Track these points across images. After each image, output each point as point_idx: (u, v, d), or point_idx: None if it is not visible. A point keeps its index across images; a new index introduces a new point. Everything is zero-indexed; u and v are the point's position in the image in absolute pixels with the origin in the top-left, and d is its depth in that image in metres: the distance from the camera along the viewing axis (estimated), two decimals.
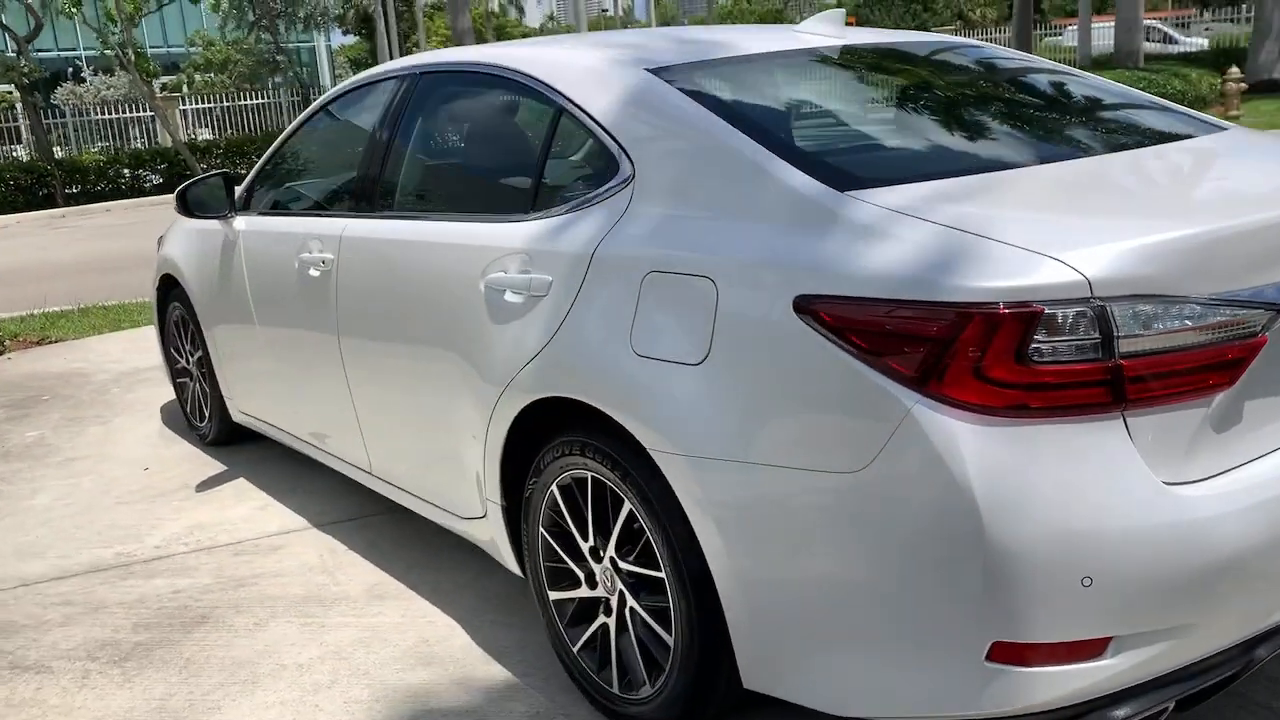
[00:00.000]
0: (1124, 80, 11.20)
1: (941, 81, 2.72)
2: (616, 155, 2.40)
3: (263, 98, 24.10)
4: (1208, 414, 1.80)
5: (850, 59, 2.78)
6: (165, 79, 31.44)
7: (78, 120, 22.49)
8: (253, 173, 4.04)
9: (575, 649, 2.58)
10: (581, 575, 2.53)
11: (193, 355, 4.71)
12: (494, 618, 3.04)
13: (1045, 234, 1.80)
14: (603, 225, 2.35)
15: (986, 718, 1.80)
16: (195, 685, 2.80)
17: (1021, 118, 2.58)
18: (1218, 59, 20.98)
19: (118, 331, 7.47)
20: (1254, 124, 14.22)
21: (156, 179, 20.27)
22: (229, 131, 22.94)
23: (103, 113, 22.63)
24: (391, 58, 45.52)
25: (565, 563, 2.57)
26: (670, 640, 2.27)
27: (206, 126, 23.19)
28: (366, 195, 3.25)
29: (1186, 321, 1.75)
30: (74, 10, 19.07)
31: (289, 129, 3.93)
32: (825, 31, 2.89)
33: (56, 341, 7.23)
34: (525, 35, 69.98)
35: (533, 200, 2.63)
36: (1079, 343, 1.71)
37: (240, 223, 3.97)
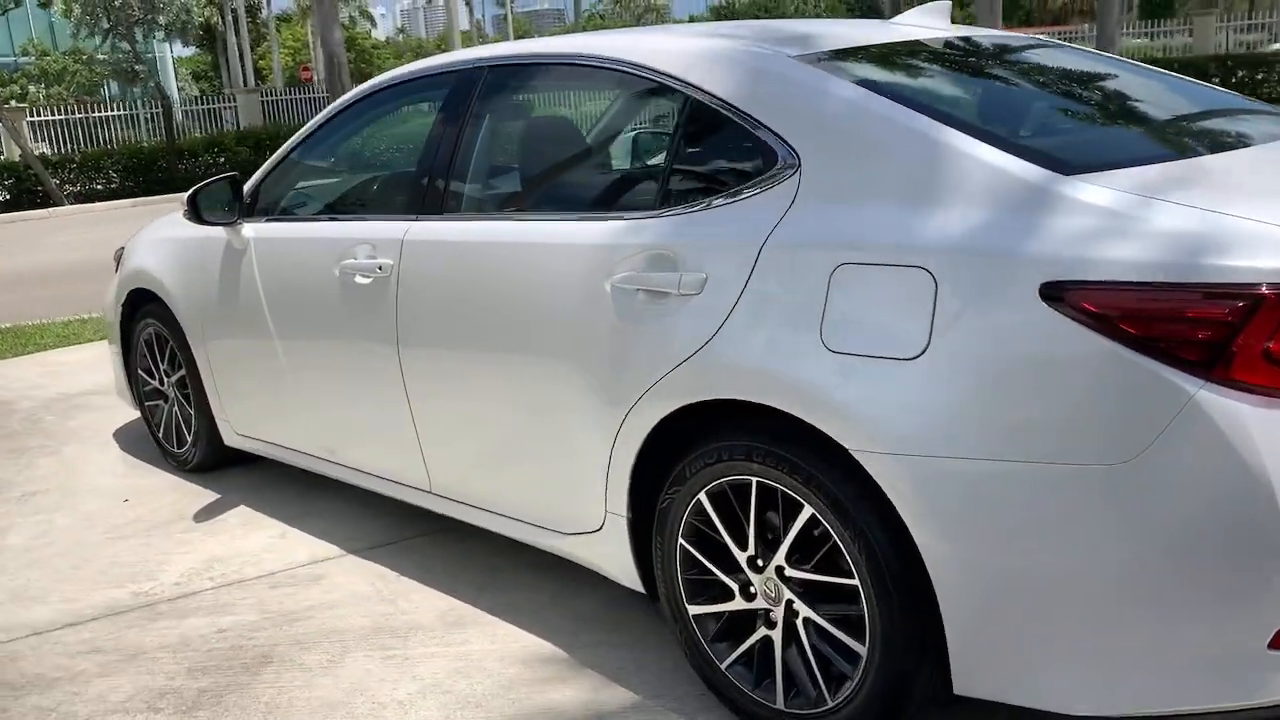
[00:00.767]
0: None
1: (1078, 74, 2.69)
2: (773, 145, 2.30)
3: (120, 109, 22.83)
4: None
5: (977, 50, 2.75)
6: None
7: None
8: (258, 177, 3.75)
9: (724, 665, 2.45)
10: (735, 587, 2.40)
11: (169, 376, 4.36)
12: (594, 638, 2.88)
13: None
14: (768, 217, 2.25)
15: (1267, 706, 1.77)
16: None
17: (1167, 110, 2.59)
18: None
19: (24, 356, 6.91)
20: None
21: (2, 195, 18.97)
22: (80, 146, 21.63)
23: None
24: (243, 69, 43.91)
25: (712, 575, 2.44)
26: (862, 649, 2.17)
27: (45, 141, 21.77)
28: (434, 196, 3.04)
29: None
30: None
31: (305, 131, 3.66)
32: (931, 24, 2.85)
33: None
34: (375, 48, 68.38)
35: (662, 195, 2.50)
36: None
37: (248, 230, 3.68)
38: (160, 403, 4.49)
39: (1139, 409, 1.77)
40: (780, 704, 2.35)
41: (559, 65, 2.89)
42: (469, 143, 3.00)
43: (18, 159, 19.41)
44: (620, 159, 2.74)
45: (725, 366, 2.26)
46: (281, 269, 3.53)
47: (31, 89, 36.36)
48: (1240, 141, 2.39)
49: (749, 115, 2.36)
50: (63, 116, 22.41)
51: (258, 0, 53.63)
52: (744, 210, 2.30)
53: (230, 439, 4.10)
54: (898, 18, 2.92)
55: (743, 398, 2.24)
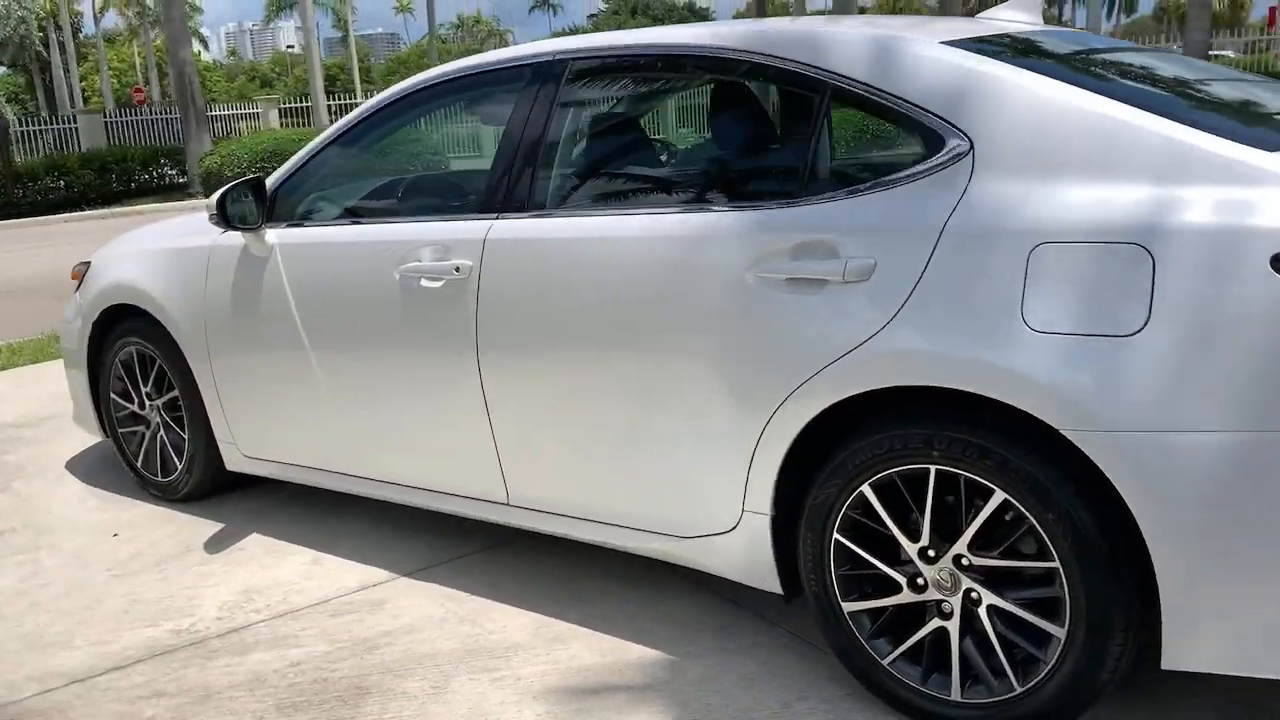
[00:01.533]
0: None
1: (1196, 72, 2.73)
2: (938, 129, 2.28)
3: None
4: None
5: (1087, 44, 2.79)
6: None
7: None
8: (278, 180, 3.51)
9: (886, 662, 2.40)
10: (902, 580, 2.36)
11: (152, 399, 4.03)
12: (707, 644, 2.79)
13: None
14: (942, 201, 2.22)
15: None
16: None
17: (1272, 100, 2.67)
18: None
19: None
20: None
21: None
22: None
23: None
24: (69, 88, 41.45)
25: (873, 569, 2.39)
26: (1058, 631, 2.16)
27: None
28: (519, 193, 2.90)
29: None
30: None
31: (336, 131, 3.44)
32: (1022, 19, 2.89)
33: None
34: (207, 68, 65.46)
35: (805, 183, 2.44)
36: None
37: (272, 235, 3.44)
38: (139, 429, 4.15)
39: None
40: (956, 695, 2.32)
41: (667, 57, 2.80)
42: (561, 137, 2.88)
43: None
44: (745, 149, 2.66)
45: (905, 353, 2.23)
46: (318, 276, 3.30)
47: None
48: None
49: (907, 100, 2.34)
50: None
51: (78, 20, 51.06)
52: (911, 194, 2.27)
53: (234, 463, 3.81)
54: (988, 12, 2.96)
55: (928, 384, 2.20)
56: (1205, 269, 1.95)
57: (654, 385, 2.63)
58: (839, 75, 2.44)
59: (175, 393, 3.93)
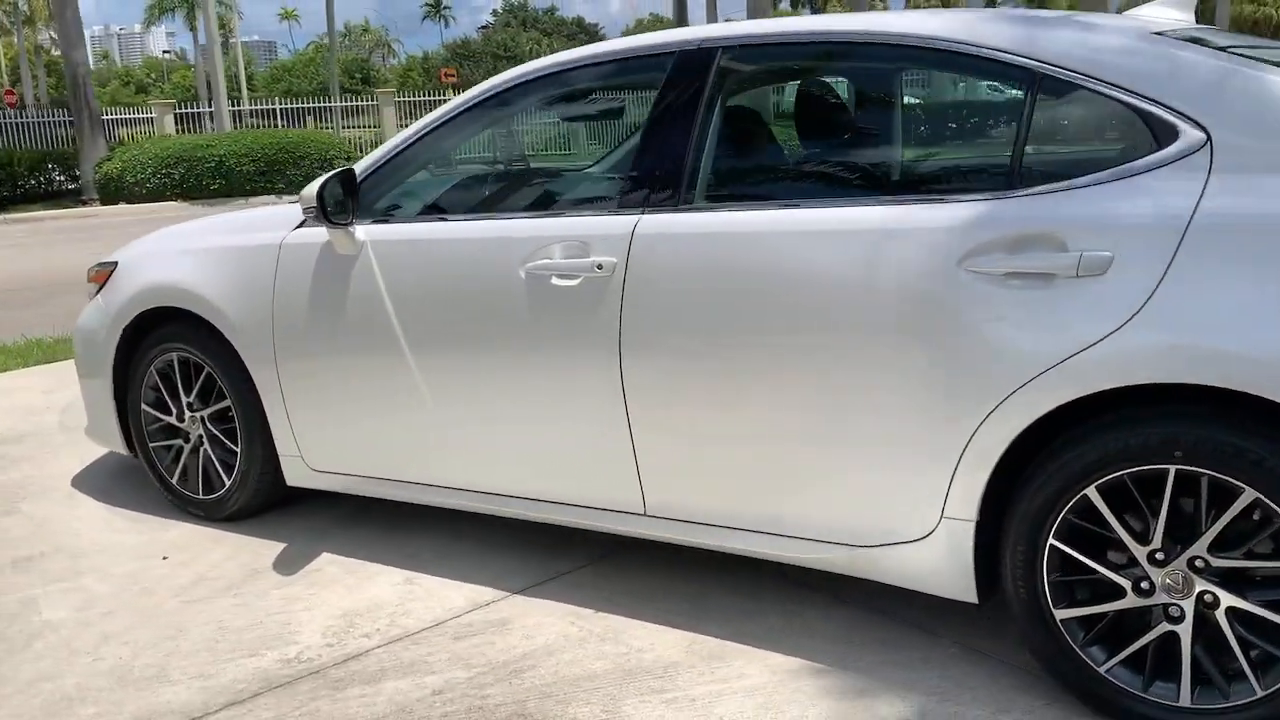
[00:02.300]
0: None
1: None
2: (1170, 120, 2.23)
3: None
4: None
5: (1247, 39, 2.79)
6: None
7: None
8: (364, 173, 3.26)
9: (1103, 669, 2.33)
10: (1126, 584, 2.29)
11: (196, 410, 3.73)
12: (873, 658, 2.68)
13: None
14: (1185, 192, 2.17)
15: None
16: None
17: None
18: None
19: None
20: None
21: None
22: None
23: None
24: None
25: (1092, 574, 2.32)
26: None
27: None
28: (670, 186, 2.75)
29: None
30: None
31: (431, 121, 3.22)
32: (1176, 15, 2.87)
33: None
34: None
35: (1016, 175, 2.36)
36: None
37: (361, 232, 3.21)
38: (176, 443, 3.84)
39: None
40: (1186, 701, 2.26)
41: (846, 45, 2.69)
42: (717, 128, 2.74)
43: None
44: (940, 138, 2.57)
45: (1154, 349, 2.16)
46: (423, 275, 3.09)
47: None
48: None
49: (1134, 91, 2.28)
50: None
51: None
52: (1147, 187, 2.21)
53: (298, 477, 3.55)
54: (1138, 9, 2.94)
55: (1182, 381, 2.13)
56: None
57: (839, 388, 2.52)
58: (1052, 66, 2.37)
59: (226, 403, 3.64)
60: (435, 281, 3.07)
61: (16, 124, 23.05)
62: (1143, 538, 2.26)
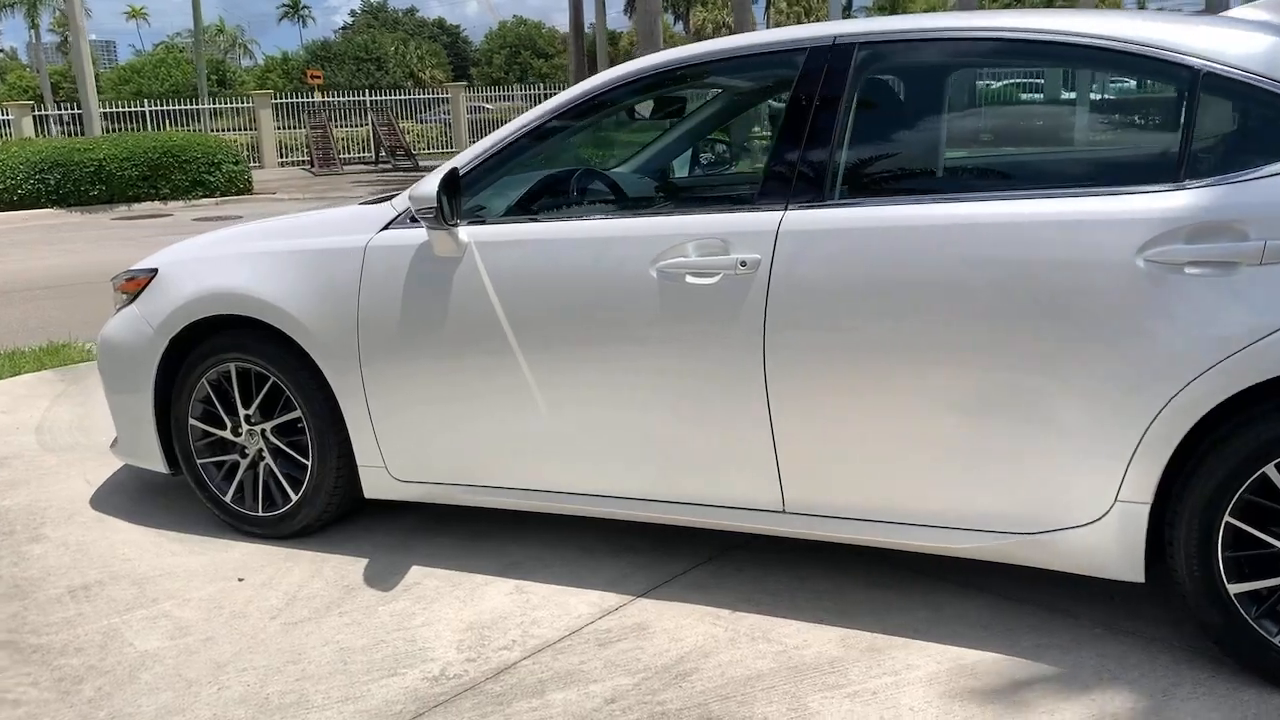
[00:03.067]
0: None
1: None
2: None
3: None
4: None
5: None
6: None
7: None
8: (464, 169, 3.14)
9: (1277, 638, 2.43)
10: None
11: (256, 422, 3.55)
12: (1029, 642, 2.74)
13: None
14: None
15: None
16: None
17: None
18: None
19: None
20: None
21: None
22: None
23: None
24: None
25: (1268, 549, 2.42)
26: None
27: None
28: (815, 181, 2.75)
29: None
30: None
31: (536, 118, 3.13)
32: (1270, 18, 3.01)
33: None
34: None
35: (1186, 167, 2.44)
36: None
37: (464, 234, 3.11)
38: (229, 458, 3.64)
39: None
40: None
41: (997, 40, 2.72)
42: (862, 122, 2.76)
43: None
44: (1100, 132, 2.64)
45: None
46: (539, 276, 3.01)
47: None
48: None
49: None
50: None
51: None
52: None
53: (379, 488, 3.41)
54: (1233, 11, 3.07)
55: None
56: None
57: (1009, 380, 2.56)
58: (1212, 62, 2.47)
59: (293, 415, 3.47)
60: (554, 282, 3.00)
61: None
62: None
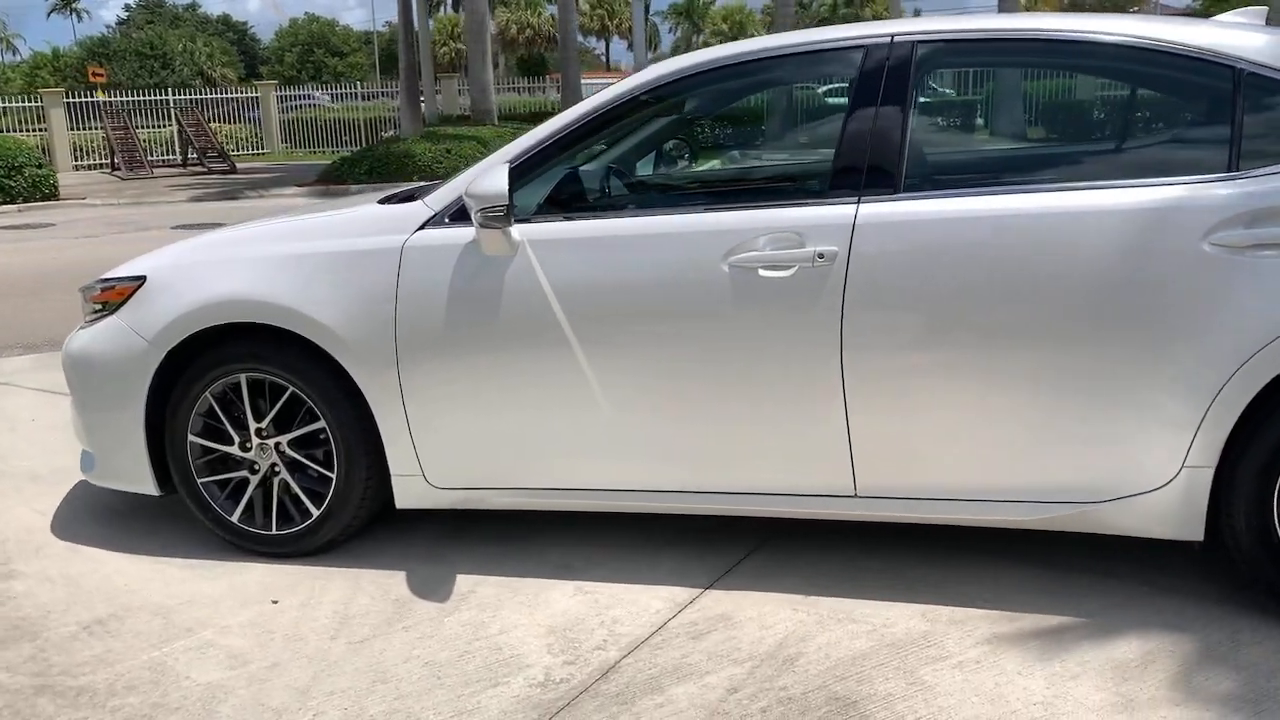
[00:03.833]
0: None
1: None
2: None
3: None
4: None
5: None
6: None
7: None
8: (515, 163, 3.07)
9: None
10: None
11: (267, 436, 3.37)
12: (1095, 604, 2.93)
13: None
14: None
15: None
16: None
17: None
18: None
19: None
20: None
21: None
22: None
23: None
24: None
25: None
26: None
27: None
28: (886, 173, 2.84)
29: None
30: None
31: (582, 114, 3.09)
32: (1251, 23, 3.31)
33: None
34: None
35: (1240, 157, 2.67)
36: None
37: (516, 232, 3.05)
38: (235, 475, 3.44)
39: None
40: None
41: (1053, 41, 2.89)
42: (929, 116, 2.87)
43: None
44: (1156, 128, 2.83)
45: None
46: (602, 273, 2.98)
47: None
48: None
49: None
50: None
51: None
52: None
53: (414, 497, 3.30)
54: (1219, 17, 3.34)
55: None
56: None
57: (1084, 360, 2.73)
58: (1251, 63, 2.71)
59: (315, 426, 3.31)
60: (617, 279, 2.98)
61: None
62: None
